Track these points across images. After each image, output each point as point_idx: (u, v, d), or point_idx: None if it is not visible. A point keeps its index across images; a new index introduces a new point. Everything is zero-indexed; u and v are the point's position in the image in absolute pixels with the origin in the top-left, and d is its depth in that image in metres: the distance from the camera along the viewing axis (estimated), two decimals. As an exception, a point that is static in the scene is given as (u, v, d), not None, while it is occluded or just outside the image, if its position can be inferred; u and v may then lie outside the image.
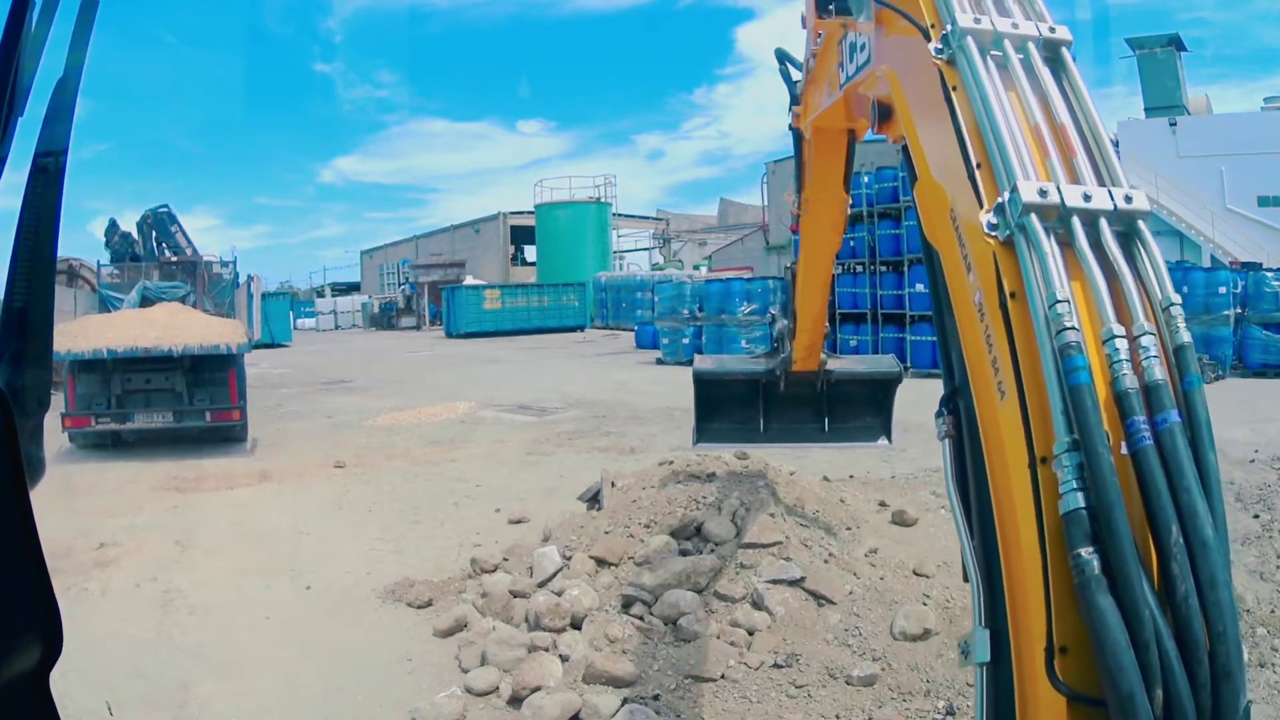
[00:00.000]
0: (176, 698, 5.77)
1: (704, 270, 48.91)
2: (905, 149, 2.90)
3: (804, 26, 3.72)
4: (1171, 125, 33.93)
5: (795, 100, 5.48)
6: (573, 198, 54.80)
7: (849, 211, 6.14)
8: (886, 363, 7.57)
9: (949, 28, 2.50)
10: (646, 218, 69.18)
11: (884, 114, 3.29)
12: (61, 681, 1.14)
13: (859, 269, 23.55)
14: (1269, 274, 20.47)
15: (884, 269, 23.05)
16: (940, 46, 2.52)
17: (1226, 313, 19.76)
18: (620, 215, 59.38)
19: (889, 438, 7.52)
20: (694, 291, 27.06)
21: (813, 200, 5.94)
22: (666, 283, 31.67)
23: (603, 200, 55.31)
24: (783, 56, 5.67)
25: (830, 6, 3.34)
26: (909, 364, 21.68)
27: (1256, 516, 8.26)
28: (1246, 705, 1.87)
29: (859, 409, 7.45)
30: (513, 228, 61.52)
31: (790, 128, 5.80)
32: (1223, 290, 19.94)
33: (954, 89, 2.46)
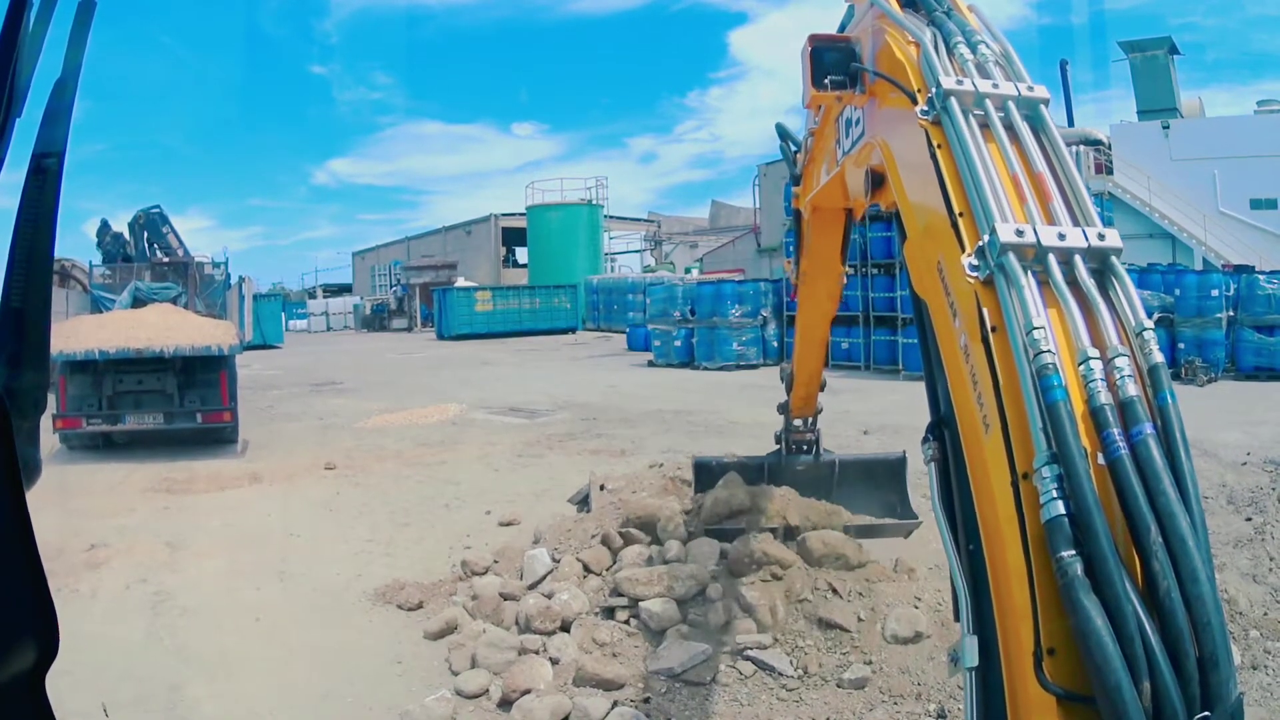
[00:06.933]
0: (167, 700, 5.76)
1: (695, 273, 48.88)
2: (897, 213, 3.06)
3: (804, 105, 3.91)
4: (1164, 128, 34.01)
5: (796, 180, 5.72)
6: (564, 200, 54.65)
7: (845, 282, 6.50)
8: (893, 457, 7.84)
9: (934, 90, 2.67)
10: (638, 220, 69.07)
11: (877, 182, 3.51)
12: (51, 683, 1.13)
13: (851, 271, 23.45)
14: (1261, 277, 20.48)
15: (875, 271, 23.05)
16: (926, 108, 2.69)
17: (1219, 315, 19.79)
18: (612, 217, 59.19)
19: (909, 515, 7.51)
20: (685, 294, 27.02)
21: (810, 273, 6.28)
22: (658, 285, 31.68)
23: (594, 202, 55.16)
24: (783, 133, 5.89)
25: (826, 80, 3.43)
26: (901, 366, 21.73)
27: (1249, 519, 8.28)
28: (1239, 696, 1.91)
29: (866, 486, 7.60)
30: (504, 229, 61.30)
31: (791, 206, 6.06)
32: (1215, 293, 19.97)
33: (939, 147, 2.61)
